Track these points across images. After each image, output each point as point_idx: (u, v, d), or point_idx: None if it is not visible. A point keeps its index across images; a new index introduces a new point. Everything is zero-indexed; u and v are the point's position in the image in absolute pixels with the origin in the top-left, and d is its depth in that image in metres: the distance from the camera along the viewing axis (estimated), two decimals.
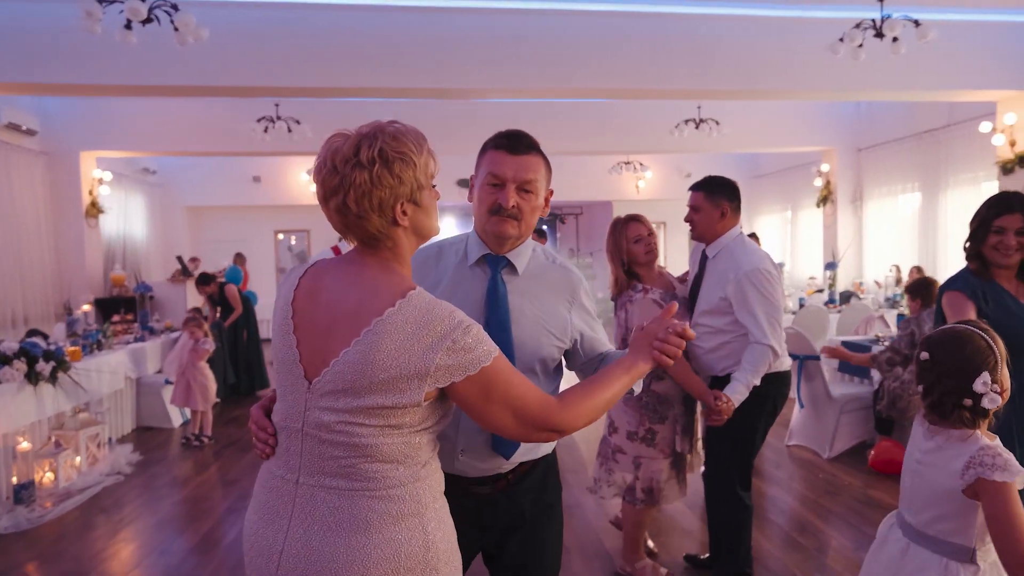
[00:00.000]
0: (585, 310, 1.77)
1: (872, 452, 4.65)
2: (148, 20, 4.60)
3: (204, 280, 7.76)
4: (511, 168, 1.63)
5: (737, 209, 2.95)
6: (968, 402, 1.58)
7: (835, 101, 9.96)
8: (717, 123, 8.48)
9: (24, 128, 8.30)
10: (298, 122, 8.49)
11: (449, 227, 14.07)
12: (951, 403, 1.60)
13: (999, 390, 1.61)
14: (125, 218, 11.00)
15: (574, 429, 1.36)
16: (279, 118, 8.41)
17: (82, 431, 5.22)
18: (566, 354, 1.78)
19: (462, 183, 12.80)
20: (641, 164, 11.75)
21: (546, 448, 1.77)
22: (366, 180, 1.27)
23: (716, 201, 2.92)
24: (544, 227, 7.14)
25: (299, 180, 12.26)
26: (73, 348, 5.70)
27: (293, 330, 1.32)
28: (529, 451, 1.71)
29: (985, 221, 2.37)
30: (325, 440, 1.27)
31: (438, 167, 1.41)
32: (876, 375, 5.02)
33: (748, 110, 9.56)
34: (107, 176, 9.55)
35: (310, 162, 11.80)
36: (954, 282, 2.42)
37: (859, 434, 5.13)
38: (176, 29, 4.69)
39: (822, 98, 8.49)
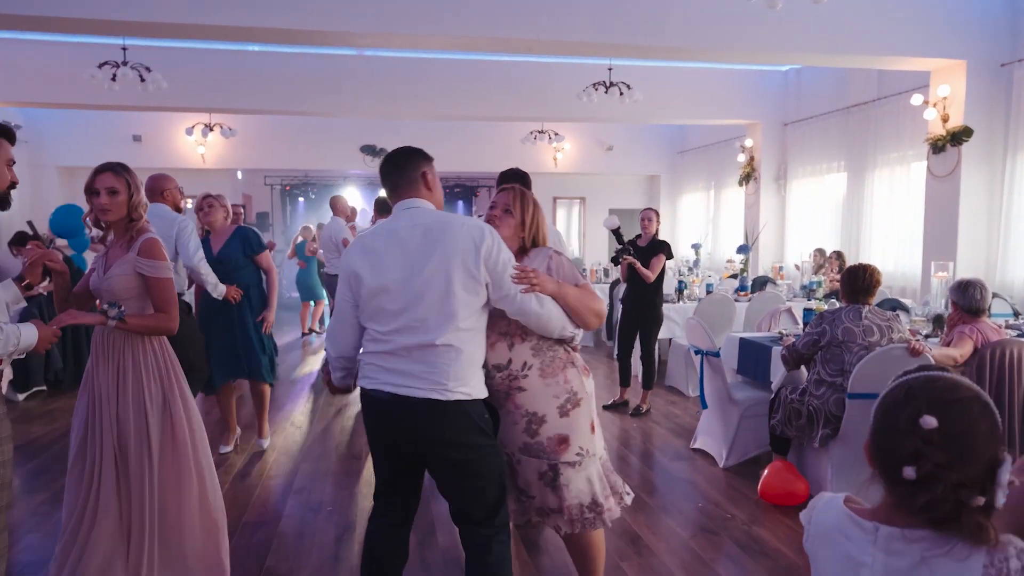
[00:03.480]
0: None
1: (763, 475, 3.89)
2: None
3: (19, 240, 6.56)
4: None
5: None
6: (980, 501, 1.05)
7: (761, 70, 9.26)
8: (628, 87, 7.64)
9: None
10: (148, 69, 7.30)
11: (352, 197, 12.94)
12: (956, 500, 1.05)
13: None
14: None
15: None
16: (125, 63, 7.19)
17: None
18: None
19: (367, 149, 11.73)
20: (556, 134, 10.88)
21: None
22: None
23: None
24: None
25: (185, 140, 10.99)
26: None
27: None
28: None
29: None
30: None
31: None
32: (775, 381, 4.28)
33: (667, 77, 8.77)
34: None
35: (192, 119, 10.64)
36: None
37: (761, 443, 4.42)
38: None
39: (742, 60, 7.73)
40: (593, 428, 2.42)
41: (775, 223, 9.48)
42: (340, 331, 2.27)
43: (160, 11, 5.40)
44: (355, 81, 8.53)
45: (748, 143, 9.66)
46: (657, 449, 4.90)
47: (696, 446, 4.82)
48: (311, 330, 9.57)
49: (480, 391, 2.17)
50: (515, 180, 3.50)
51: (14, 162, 2.23)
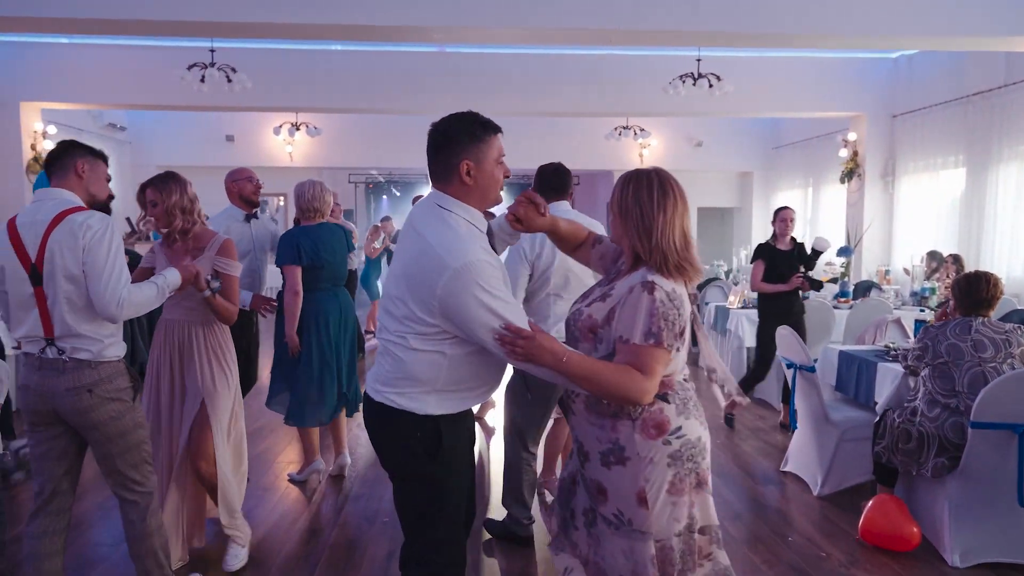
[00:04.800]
0: None
1: (866, 510, 3.42)
2: None
3: None
4: None
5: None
6: None
7: (866, 58, 8.53)
8: (718, 78, 7.16)
9: None
10: (234, 70, 7.43)
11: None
12: None
13: None
14: None
15: None
16: (212, 64, 7.35)
17: None
18: None
19: None
20: (642, 129, 10.44)
21: None
22: None
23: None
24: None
25: (273, 139, 11.27)
26: None
27: None
28: None
29: None
30: None
31: None
32: (881, 402, 3.80)
33: (761, 67, 8.21)
34: (52, 129, 8.82)
35: (280, 119, 10.88)
36: None
37: (862, 470, 3.93)
38: None
39: (846, 46, 7.11)
40: (645, 502, 1.80)
41: (881, 223, 8.71)
42: None
43: (239, 10, 5.42)
44: (436, 78, 8.44)
45: (851, 137, 8.93)
46: (742, 470, 4.48)
47: (787, 469, 4.37)
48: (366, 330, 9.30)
49: (422, 408, 1.84)
50: (552, 177, 3.22)
51: (110, 179, 2.62)
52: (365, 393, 1.96)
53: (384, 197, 13.17)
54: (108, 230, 2.32)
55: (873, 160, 8.70)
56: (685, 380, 1.88)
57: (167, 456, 3.06)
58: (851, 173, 8.88)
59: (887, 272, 7.72)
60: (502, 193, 1.94)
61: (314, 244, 3.84)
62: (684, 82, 7.35)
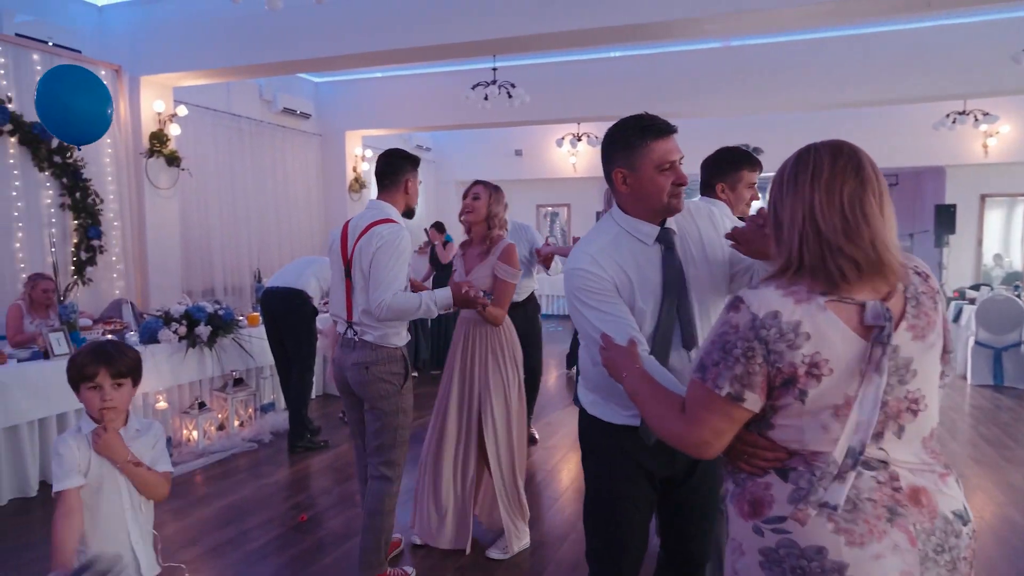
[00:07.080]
0: None
1: None
2: None
3: (437, 227, 8.43)
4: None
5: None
6: None
7: None
8: None
9: (299, 112, 9.16)
10: (513, 85, 7.67)
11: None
12: None
13: None
14: None
15: None
16: (494, 82, 7.67)
17: (231, 395, 5.30)
18: None
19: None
20: (985, 114, 8.42)
21: None
22: None
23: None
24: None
25: (557, 151, 11.54)
26: (253, 314, 5.78)
27: None
28: None
29: None
30: None
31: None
32: None
33: None
34: (368, 153, 10.10)
35: (562, 131, 11.06)
36: None
37: None
38: None
39: None
40: None
41: None
42: None
43: (516, 26, 5.52)
44: (721, 76, 7.81)
45: None
46: None
47: None
48: None
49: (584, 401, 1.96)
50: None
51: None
52: None
53: None
54: (396, 239, 2.68)
55: None
56: (855, 463, 1.19)
57: (462, 447, 3.25)
58: None
59: None
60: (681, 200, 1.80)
61: None
62: None
